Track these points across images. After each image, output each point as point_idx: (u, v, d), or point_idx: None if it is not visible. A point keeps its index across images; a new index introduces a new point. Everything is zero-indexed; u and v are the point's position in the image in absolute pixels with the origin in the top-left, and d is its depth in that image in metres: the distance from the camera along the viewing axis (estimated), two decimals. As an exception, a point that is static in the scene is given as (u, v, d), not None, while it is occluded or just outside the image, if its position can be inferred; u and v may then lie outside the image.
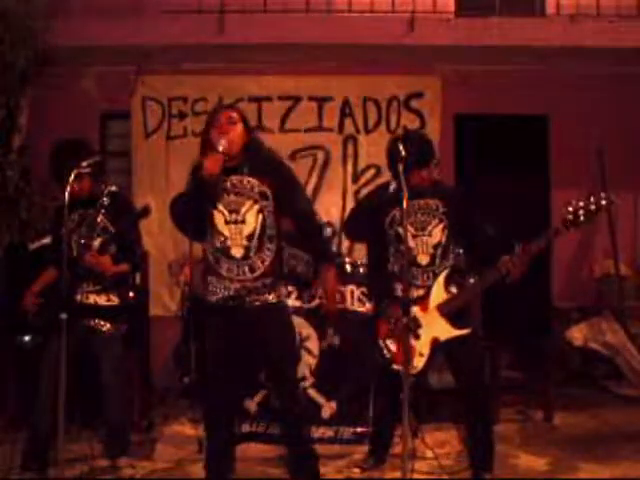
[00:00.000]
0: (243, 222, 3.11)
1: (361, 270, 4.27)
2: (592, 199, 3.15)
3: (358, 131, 5.78)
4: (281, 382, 3.22)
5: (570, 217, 3.15)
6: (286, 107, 5.74)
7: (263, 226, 3.11)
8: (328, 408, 4.04)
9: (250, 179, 3.13)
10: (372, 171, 5.74)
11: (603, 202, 3.14)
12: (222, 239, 3.10)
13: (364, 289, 4.15)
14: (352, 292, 4.15)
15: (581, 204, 3.15)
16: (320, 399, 4.05)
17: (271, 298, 3.12)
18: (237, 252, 3.09)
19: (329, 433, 3.99)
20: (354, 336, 4.06)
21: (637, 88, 5.82)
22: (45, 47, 5.01)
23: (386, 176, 5.53)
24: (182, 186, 3.21)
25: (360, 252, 4.78)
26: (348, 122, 5.78)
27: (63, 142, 3.57)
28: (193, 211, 3.05)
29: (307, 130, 5.76)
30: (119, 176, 5.80)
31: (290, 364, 3.26)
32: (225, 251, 3.09)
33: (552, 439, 4.23)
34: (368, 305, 4.10)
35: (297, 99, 5.75)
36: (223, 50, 5.40)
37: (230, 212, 3.11)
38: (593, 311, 5.63)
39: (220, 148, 3.00)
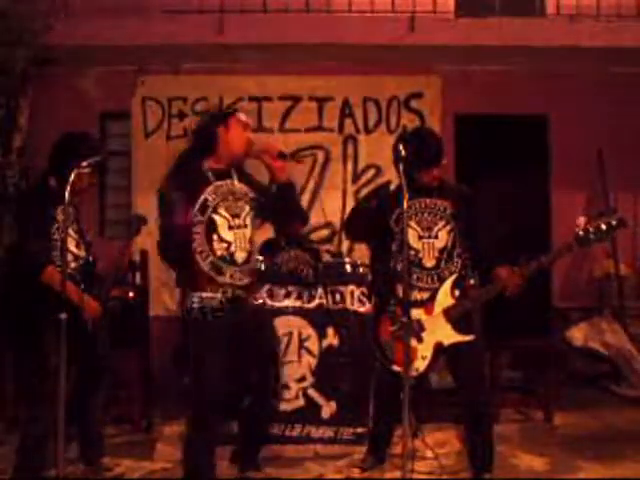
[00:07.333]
0: (245, 227, 3.11)
1: (361, 270, 4.26)
2: (604, 219, 3.16)
3: (358, 131, 5.78)
4: (264, 379, 3.31)
5: (581, 234, 3.15)
6: (286, 107, 5.74)
7: (253, 231, 3.20)
8: (328, 408, 4.03)
9: (241, 185, 3.21)
10: (372, 171, 5.74)
11: (614, 222, 3.15)
12: (225, 245, 3.07)
13: (364, 289, 4.14)
14: (352, 292, 4.14)
15: (593, 222, 3.16)
16: (320, 399, 4.05)
17: (255, 300, 3.33)
18: (240, 257, 3.09)
19: (329, 433, 3.99)
20: (354, 336, 4.06)
21: (637, 88, 5.82)
22: (45, 47, 5.01)
23: (386, 176, 5.61)
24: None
25: (360, 252, 4.78)
26: (348, 122, 5.78)
27: (68, 135, 3.50)
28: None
29: (307, 130, 5.75)
30: (119, 176, 5.80)
31: (272, 362, 3.45)
32: (229, 257, 3.07)
33: (552, 439, 4.23)
34: (368, 305, 4.10)
35: (297, 99, 5.75)
36: (223, 50, 5.40)
37: (233, 217, 3.11)
38: (593, 311, 5.64)
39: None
